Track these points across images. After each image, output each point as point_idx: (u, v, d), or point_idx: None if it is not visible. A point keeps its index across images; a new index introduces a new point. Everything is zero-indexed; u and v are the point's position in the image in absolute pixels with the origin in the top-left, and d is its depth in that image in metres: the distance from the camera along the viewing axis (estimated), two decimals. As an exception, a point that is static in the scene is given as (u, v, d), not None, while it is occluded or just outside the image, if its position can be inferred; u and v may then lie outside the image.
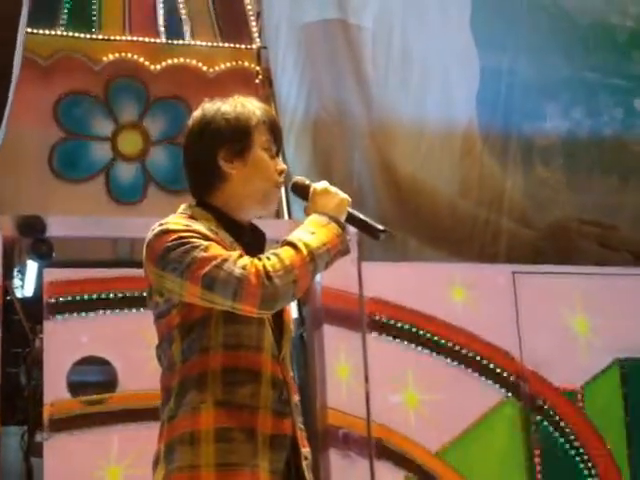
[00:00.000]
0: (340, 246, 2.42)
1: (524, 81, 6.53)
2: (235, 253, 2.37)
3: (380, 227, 2.50)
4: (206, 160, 2.54)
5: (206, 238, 2.40)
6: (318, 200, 2.50)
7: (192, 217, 2.49)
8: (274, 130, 2.59)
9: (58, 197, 5.94)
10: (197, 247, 2.36)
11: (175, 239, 2.38)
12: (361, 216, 2.53)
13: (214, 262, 2.33)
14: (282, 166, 2.57)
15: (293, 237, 2.41)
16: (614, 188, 6.51)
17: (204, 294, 2.35)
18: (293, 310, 5.38)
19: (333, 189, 2.52)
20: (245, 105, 2.57)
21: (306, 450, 2.49)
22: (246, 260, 2.34)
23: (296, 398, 2.53)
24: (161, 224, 2.45)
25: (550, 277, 5.68)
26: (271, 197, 2.57)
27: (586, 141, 6.58)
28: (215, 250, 2.36)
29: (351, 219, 2.52)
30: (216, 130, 2.53)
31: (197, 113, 2.59)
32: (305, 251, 2.36)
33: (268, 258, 2.35)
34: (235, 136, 2.52)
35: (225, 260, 2.33)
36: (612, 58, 6.82)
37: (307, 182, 2.57)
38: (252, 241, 2.54)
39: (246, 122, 2.53)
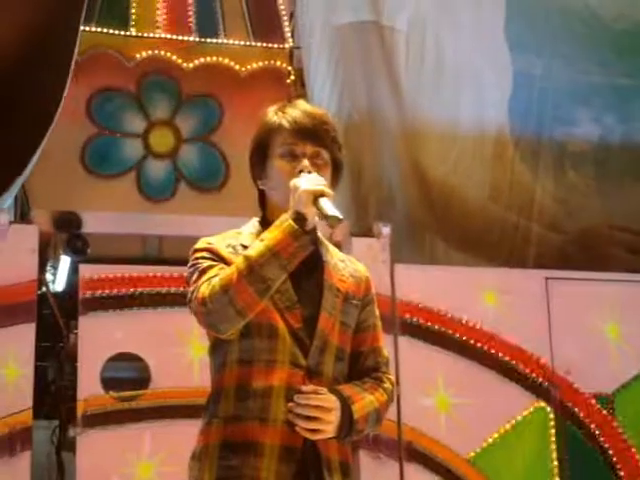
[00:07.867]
0: (295, 243, 2.37)
1: (557, 86, 6.49)
2: (206, 276, 2.44)
3: (330, 213, 2.36)
4: (254, 181, 2.68)
5: (217, 258, 2.49)
6: (290, 196, 2.46)
7: (240, 231, 2.61)
8: (300, 130, 2.55)
9: (89, 192, 5.93)
10: (197, 268, 2.48)
11: (193, 259, 2.54)
12: (321, 204, 2.38)
13: (193, 286, 2.46)
14: (302, 165, 2.51)
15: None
16: (645, 195, 6.49)
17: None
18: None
19: (298, 182, 2.43)
20: (266, 115, 2.63)
21: (332, 455, 2.46)
22: (203, 286, 2.42)
23: None
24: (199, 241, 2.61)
25: (582, 283, 5.67)
26: None
27: (618, 147, 6.53)
28: (206, 274, 2.45)
29: (317, 208, 2.40)
30: (251, 152, 2.66)
31: None
32: (243, 265, 2.37)
33: (209, 282, 2.40)
34: (256, 157, 2.63)
35: (198, 287, 2.43)
36: (645, 64, 6.78)
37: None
38: None
39: (264, 137, 2.61)
